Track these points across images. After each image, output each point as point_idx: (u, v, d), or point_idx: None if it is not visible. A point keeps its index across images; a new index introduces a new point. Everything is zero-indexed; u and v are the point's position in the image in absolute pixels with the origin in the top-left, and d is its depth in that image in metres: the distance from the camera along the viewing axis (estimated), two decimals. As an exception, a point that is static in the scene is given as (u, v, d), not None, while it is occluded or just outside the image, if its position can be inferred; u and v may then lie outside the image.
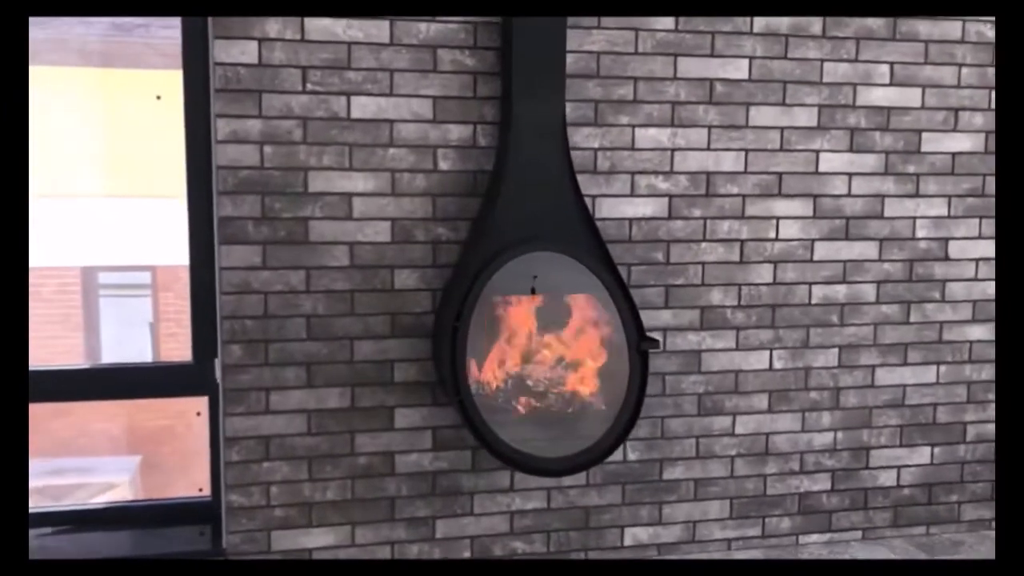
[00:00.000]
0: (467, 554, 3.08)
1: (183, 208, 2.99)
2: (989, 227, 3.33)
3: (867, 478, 3.38)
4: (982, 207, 3.32)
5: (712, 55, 3.04)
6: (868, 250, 3.26)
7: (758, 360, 3.23)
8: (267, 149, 2.79)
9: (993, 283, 3.35)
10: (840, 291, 3.26)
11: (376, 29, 2.81)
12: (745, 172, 3.13)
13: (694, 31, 3.02)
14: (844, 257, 3.24)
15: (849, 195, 3.21)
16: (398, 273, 2.92)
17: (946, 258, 3.33)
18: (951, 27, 3.21)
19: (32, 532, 2.98)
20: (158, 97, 3.13)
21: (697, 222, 3.11)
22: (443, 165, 2.90)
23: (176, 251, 3.04)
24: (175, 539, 3.03)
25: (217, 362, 2.94)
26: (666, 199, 3.08)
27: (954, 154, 3.28)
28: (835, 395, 3.31)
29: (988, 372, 3.41)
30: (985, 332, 3.38)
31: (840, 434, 3.33)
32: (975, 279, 3.35)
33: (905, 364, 3.35)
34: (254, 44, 2.74)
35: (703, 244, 3.13)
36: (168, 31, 2.99)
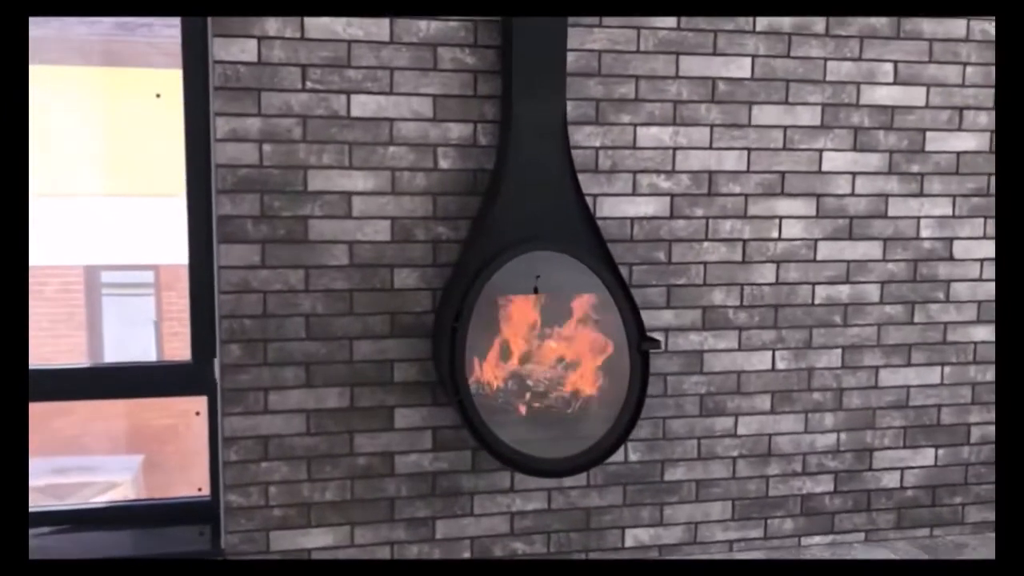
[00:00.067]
0: (467, 555, 3.07)
1: (184, 207, 2.98)
2: (994, 227, 3.30)
3: (870, 480, 3.36)
4: (987, 207, 3.30)
5: (714, 53, 3.03)
6: (872, 250, 3.24)
7: (760, 361, 3.21)
8: (266, 147, 2.78)
9: (998, 283, 3.32)
10: (843, 291, 3.24)
11: (376, 27, 2.80)
12: (748, 171, 3.11)
13: (696, 29, 3.00)
14: (847, 257, 3.22)
15: (853, 195, 3.19)
16: (398, 272, 2.91)
17: (950, 258, 3.30)
18: (955, 25, 3.18)
19: (31, 531, 2.98)
20: (157, 95, 3.13)
21: (699, 221, 3.10)
22: (443, 164, 2.89)
23: (179, 250, 3.04)
24: (174, 539, 3.02)
25: (216, 361, 2.93)
26: (668, 198, 3.06)
27: (959, 153, 3.26)
28: (838, 396, 3.29)
29: (993, 373, 3.39)
30: (989, 333, 3.36)
31: (843, 435, 3.31)
32: (980, 279, 3.33)
33: (909, 365, 3.33)
34: (253, 42, 2.73)
35: (705, 244, 3.11)
36: (171, 30, 2.98)
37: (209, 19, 2.74)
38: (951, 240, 3.29)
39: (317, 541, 2.96)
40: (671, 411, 3.16)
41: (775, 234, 3.16)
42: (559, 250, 2.78)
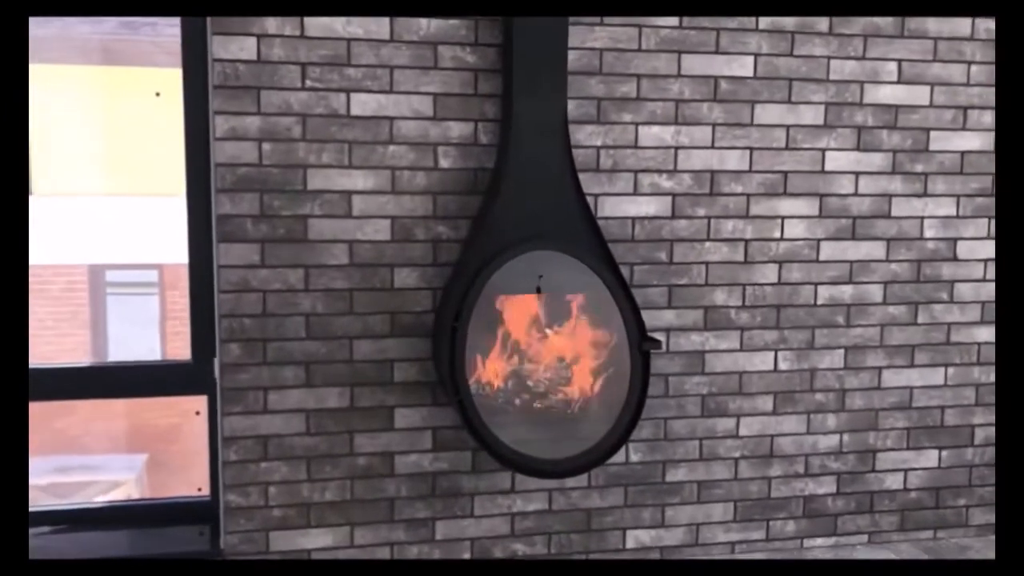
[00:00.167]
0: (467, 556, 3.06)
1: (184, 206, 2.98)
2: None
3: (873, 481, 3.34)
4: (991, 207, 3.27)
5: (717, 52, 3.01)
6: (875, 250, 3.22)
7: (762, 361, 3.19)
8: (266, 146, 2.77)
9: (1003, 284, 3.30)
10: (846, 291, 3.22)
11: (376, 25, 2.79)
12: (750, 171, 3.09)
13: (698, 28, 2.99)
14: (850, 257, 3.20)
15: (856, 194, 3.17)
16: (398, 272, 2.90)
17: (954, 258, 3.28)
18: (960, 24, 3.16)
19: (31, 531, 2.98)
20: (157, 94, 3.12)
21: (701, 221, 3.08)
22: (443, 163, 2.88)
23: (181, 249, 3.03)
24: (174, 539, 3.01)
25: (216, 361, 2.93)
26: (669, 198, 3.05)
27: (963, 153, 3.24)
28: (841, 397, 3.27)
29: (997, 374, 3.37)
30: (993, 334, 3.33)
31: (846, 436, 3.29)
32: (983, 280, 3.30)
33: (912, 366, 3.31)
34: (253, 40, 2.72)
35: (707, 243, 3.10)
36: (174, 29, 2.98)
37: (208, 18, 2.73)
38: (955, 240, 3.27)
39: (317, 541, 2.95)
40: (672, 412, 3.15)
41: (777, 234, 3.14)
42: (560, 250, 2.77)
